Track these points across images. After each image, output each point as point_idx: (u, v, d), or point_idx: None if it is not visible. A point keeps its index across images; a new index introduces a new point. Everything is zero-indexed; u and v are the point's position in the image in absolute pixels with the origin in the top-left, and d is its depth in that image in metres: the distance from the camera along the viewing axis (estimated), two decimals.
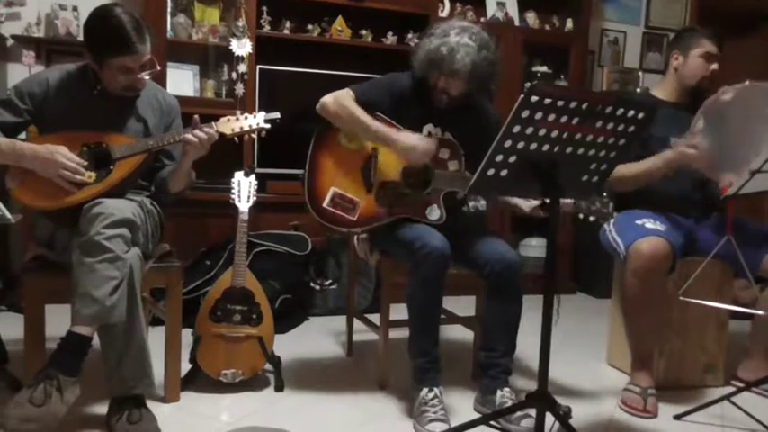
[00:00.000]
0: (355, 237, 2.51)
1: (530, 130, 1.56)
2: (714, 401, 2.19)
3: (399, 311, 2.24)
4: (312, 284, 3.35)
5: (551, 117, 1.55)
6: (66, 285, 1.80)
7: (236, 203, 2.28)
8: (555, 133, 1.59)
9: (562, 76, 4.21)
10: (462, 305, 2.68)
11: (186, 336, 2.18)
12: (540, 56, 4.22)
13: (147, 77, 2.02)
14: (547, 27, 4.21)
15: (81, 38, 2.16)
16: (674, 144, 2.34)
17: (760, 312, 2.38)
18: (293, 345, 2.77)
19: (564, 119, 1.57)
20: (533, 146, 1.59)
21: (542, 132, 1.57)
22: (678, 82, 2.52)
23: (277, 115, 2.11)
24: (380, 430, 2.02)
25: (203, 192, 3.32)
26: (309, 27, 3.69)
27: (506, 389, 2.11)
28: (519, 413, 1.98)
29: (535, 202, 2.08)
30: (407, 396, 2.18)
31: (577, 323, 3.41)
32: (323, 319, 3.23)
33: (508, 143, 1.57)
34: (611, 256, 2.50)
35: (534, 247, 4.09)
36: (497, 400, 2.08)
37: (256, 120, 2.08)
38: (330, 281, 3.39)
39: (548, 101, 1.52)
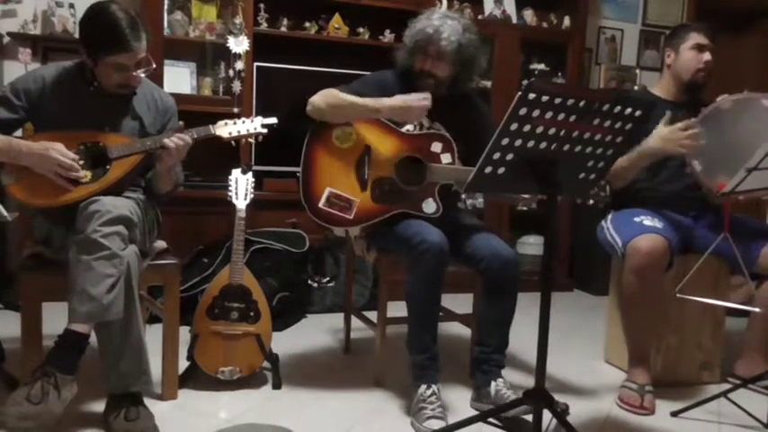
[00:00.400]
0: (352, 235, 2.51)
1: (527, 128, 1.56)
2: (711, 398, 2.20)
3: (397, 309, 2.24)
4: (310, 282, 3.35)
5: (549, 114, 1.55)
6: (64, 283, 1.80)
7: (234, 201, 2.28)
8: (552, 131, 1.59)
9: (560, 74, 4.21)
10: (460, 303, 2.68)
11: (184, 333, 2.18)
12: (537, 53, 4.22)
13: (143, 75, 2.01)
14: (544, 24, 4.21)
15: (77, 35, 2.15)
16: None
17: (756, 309, 2.39)
18: (291, 342, 2.78)
19: (561, 116, 1.57)
20: (531, 143, 1.59)
21: (540, 130, 1.57)
22: (674, 79, 2.52)
23: (274, 120, 2.11)
24: (378, 427, 2.02)
25: (201, 189, 3.32)
26: (307, 24, 3.68)
27: (500, 380, 2.12)
28: (516, 409, 1.98)
29: None
30: (405, 393, 2.18)
31: (575, 320, 3.42)
32: (320, 317, 3.23)
33: (505, 141, 1.57)
34: (608, 254, 2.50)
35: (531, 244, 4.10)
36: (492, 390, 2.09)
37: (254, 124, 2.09)
38: (328, 278, 3.39)
39: (545, 98, 1.52)
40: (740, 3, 4.60)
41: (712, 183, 2.27)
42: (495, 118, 3.71)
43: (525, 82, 4.07)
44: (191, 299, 2.76)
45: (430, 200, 2.21)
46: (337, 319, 2.98)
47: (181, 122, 2.04)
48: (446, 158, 2.22)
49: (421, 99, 2.15)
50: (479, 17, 3.99)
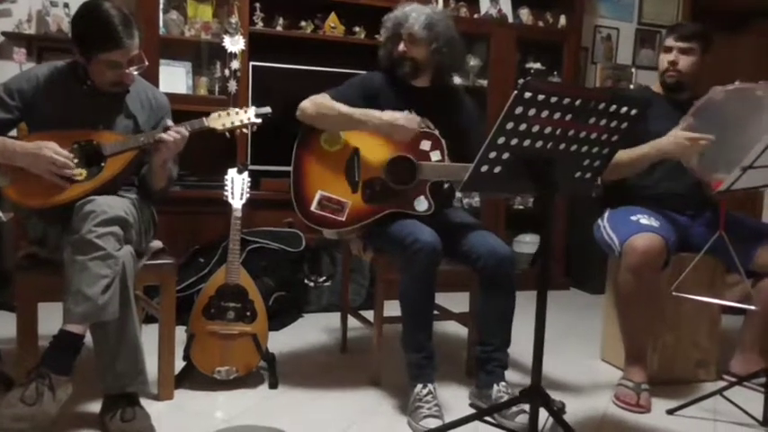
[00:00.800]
0: (341, 238, 2.50)
1: (523, 127, 1.56)
2: (706, 396, 2.20)
3: (393, 308, 2.24)
4: (306, 281, 3.35)
5: (545, 113, 1.55)
6: (59, 283, 1.79)
7: (230, 200, 2.28)
8: (548, 130, 1.59)
9: (555, 73, 4.21)
10: (456, 301, 2.68)
11: (180, 333, 2.17)
12: (533, 52, 4.22)
13: (136, 73, 2.01)
14: (540, 24, 4.21)
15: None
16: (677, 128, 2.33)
17: (752, 307, 2.39)
18: (287, 342, 2.77)
19: (557, 115, 1.57)
20: (527, 142, 1.59)
21: (536, 129, 1.57)
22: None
23: (268, 110, 2.11)
24: (375, 427, 2.02)
25: (197, 189, 3.31)
26: (302, 24, 3.68)
27: (503, 383, 2.11)
28: (514, 409, 1.98)
29: None
30: (402, 392, 2.18)
31: (571, 319, 3.42)
32: (317, 316, 3.23)
33: (501, 140, 1.57)
34: (604, 252, 2.51)
35: (528, 243, 4.10)
36: (494, 394, 2.09)
37: (247, 114, 2.08)
38: (324, 278, 3.38)
39: (541, 97, 1.52)
40: (735, 2, 4.60)
41: (708, 176, 2.26)
42: (490, 117, 3.72)
43: (521, 81, 4.07)
44: (187, 299, 2.75)
45: (422, 198, 2.21)
46: (334, 318, 2.98)
47: (170, 122, 2.03)
48: (435, 156, 2.22)
49: (410, 119, 2.16)
50: (475, 16, 4.00)
